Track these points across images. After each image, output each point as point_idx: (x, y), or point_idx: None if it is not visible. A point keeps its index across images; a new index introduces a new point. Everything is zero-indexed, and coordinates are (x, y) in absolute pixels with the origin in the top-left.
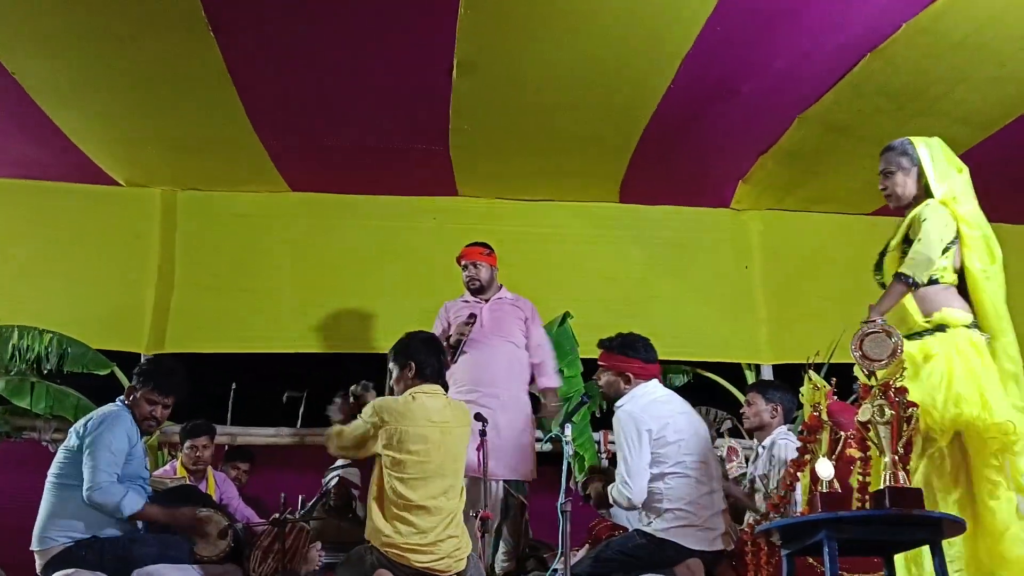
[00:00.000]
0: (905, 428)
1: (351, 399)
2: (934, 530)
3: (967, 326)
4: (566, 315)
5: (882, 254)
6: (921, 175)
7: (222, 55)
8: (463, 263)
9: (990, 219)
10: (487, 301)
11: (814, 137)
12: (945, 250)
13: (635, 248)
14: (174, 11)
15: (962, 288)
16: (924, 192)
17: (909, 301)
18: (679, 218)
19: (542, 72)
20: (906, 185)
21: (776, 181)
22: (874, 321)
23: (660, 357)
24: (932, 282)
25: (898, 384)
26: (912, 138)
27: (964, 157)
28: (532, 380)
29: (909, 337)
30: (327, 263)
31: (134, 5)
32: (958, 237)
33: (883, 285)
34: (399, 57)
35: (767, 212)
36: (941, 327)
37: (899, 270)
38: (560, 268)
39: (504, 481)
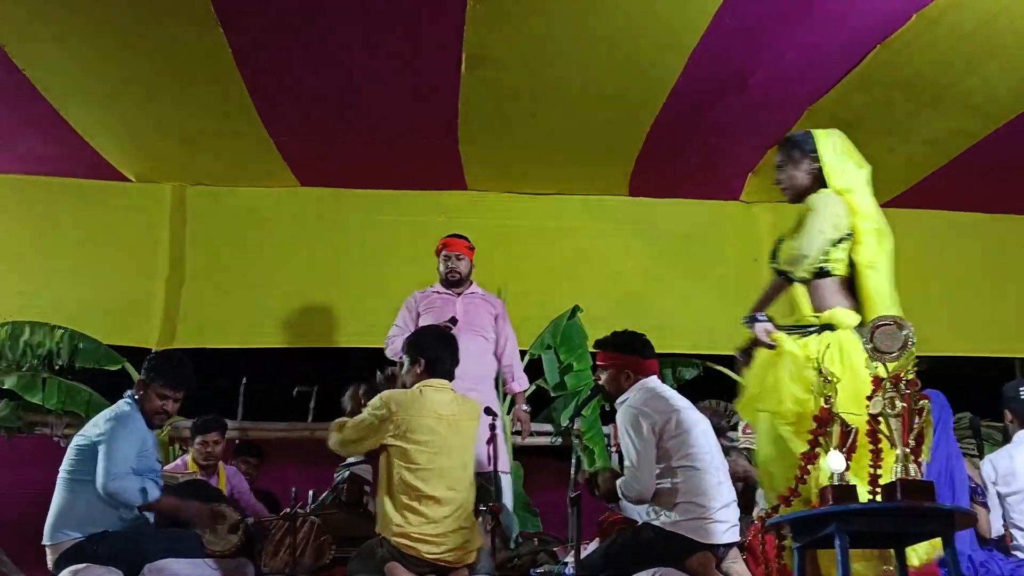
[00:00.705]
0: (916, 421)
1: (369, 390)
2: (945, 522)
3: (852, 327)
4: (575, 309)
5: (780, 242)
6: (816, 167)
7: (231, 49)
8: (445, 254)
9: (998, 210)
10: (459, 295)
11: (823, 129)
12: (840, 241)
13: (644, 242)
14: (183, 6)
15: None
16: (820, 184)
17: (801, 291)
18: (689, 211)
19: (551, 66)
20: (798, 178)
21: None
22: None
23: (670, 350)
24: (824, 274)
25: (909, 377)
26: (814, 131)
27: (975, 148)
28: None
29: (793, 329)
30: (337, 258)
31: (143, 1)
32: (852, 229)
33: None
34: (408, 51)
35: (777, 205)
36: (830, 326)
37: (778, 265)
38: (569, 262)
39: (478, 473)
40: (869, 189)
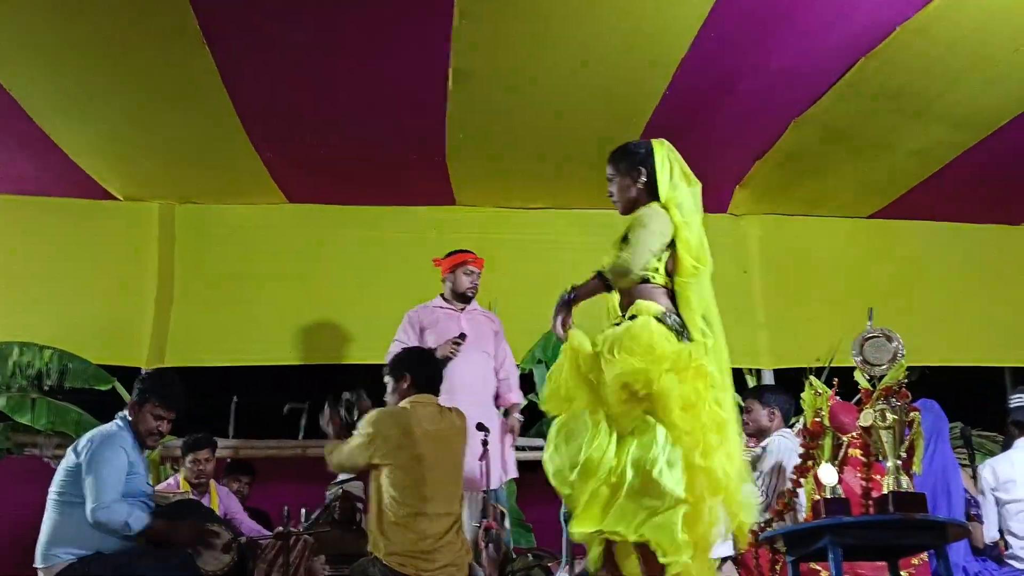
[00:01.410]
0: (907, 433)
1: (344, 408)
2: (938, 534)
3: (656, 316)
4: None
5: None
6: (645, 180)
7: (217, 68)
8: (469, 268)
9: (985, 220)
10: (462, 311)
11: (810, 140)
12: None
13: None
14: (168, 24)
15: None
16: (650, 196)
17: (615, 295)
18: None
19: (537, 80)
20: (627, 189)
21: (773, 185)
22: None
23: None
24: (644, 280)
25: (900, 388)
26: (653, 140)
27: (961, 158)
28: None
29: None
30: (326, 274)
31: (128, 19)
32: (674, 242)
33: None
34: (395, 67)
35: (765, 216)
36: (633, 317)
37: (602, 269)
38: (559, 276)
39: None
40: (698, 208)
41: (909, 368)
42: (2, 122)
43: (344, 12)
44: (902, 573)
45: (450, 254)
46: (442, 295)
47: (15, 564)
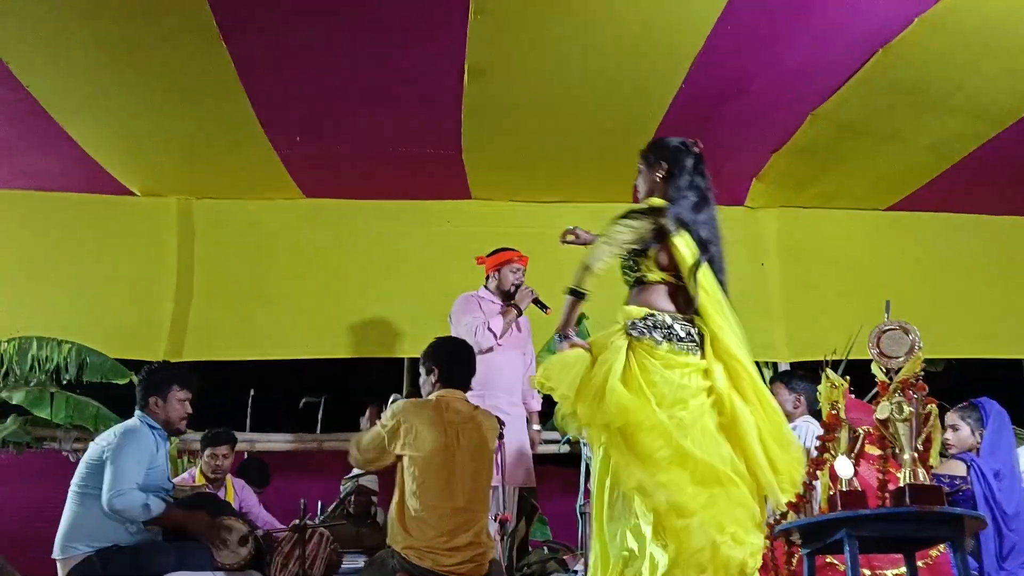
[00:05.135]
0: (924, 426)
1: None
2: (955, 527)
3: (635, 319)
4: (582, 316)
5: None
6: (662, 173)
7: (233, 63)
8: (516, 267)
9: (1004, 212)
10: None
11: (827, 134)
12: (642, 252)
13: None
14: (185, 20)
15: None
16: (664, 192)
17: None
18: None
19: (553, 75)
20: (643, 184)
21: (790, 178)
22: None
23: None
24: (638, 281)
25: (917, 381)
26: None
27: (978, 151)
28: None
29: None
30: (342, 268)
31: (145, 15)
32: (662, 236)
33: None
34: (411, 63)
35: (782, 209)
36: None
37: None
38: (573, 270)
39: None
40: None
41: (931, 360)
42: (20, 118)
43: (360, 8)
44: (919, 564)
45: (495, 252)
46: (486, 287)
47: (35, 556)
